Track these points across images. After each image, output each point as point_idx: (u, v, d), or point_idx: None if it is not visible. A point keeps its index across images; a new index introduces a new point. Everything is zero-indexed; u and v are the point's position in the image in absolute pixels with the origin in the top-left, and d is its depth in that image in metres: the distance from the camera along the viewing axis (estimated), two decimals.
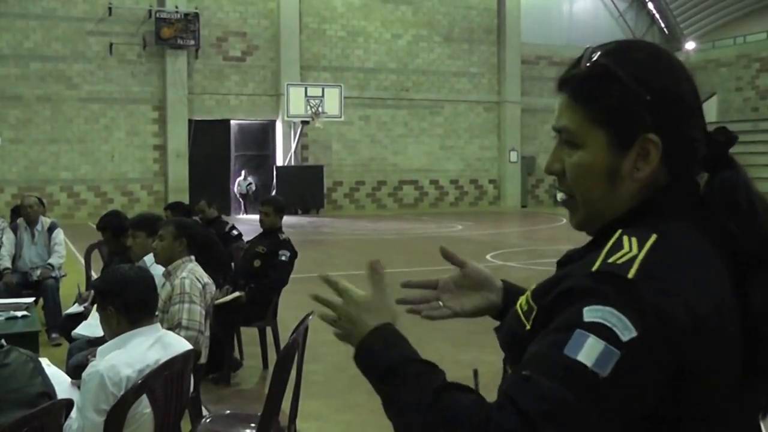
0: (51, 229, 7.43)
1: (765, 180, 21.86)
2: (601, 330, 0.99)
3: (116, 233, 5.88)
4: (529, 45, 27.71)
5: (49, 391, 2.52)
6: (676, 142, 1.13)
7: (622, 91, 1.13)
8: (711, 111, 27.83)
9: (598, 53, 1.17)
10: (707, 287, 1.04)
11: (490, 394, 1.08)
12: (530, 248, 14.44)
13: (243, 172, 24.30)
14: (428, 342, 7.13)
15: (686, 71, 1.18)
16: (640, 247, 1.04)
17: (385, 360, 1.16)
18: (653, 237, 1.06)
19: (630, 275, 1.01)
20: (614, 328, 0.98)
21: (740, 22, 28.65)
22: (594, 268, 1.04)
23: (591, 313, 1.00)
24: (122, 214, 6.23)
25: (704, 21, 29.55)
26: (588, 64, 1.17)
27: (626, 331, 0.98)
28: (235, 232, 7.51)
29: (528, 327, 1.12)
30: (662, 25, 29.92)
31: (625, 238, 1.06)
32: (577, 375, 0.98)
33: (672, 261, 1.04)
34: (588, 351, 0.98)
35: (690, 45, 29.92)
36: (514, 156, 27.47)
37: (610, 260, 1.04)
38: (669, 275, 1.03)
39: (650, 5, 29.82)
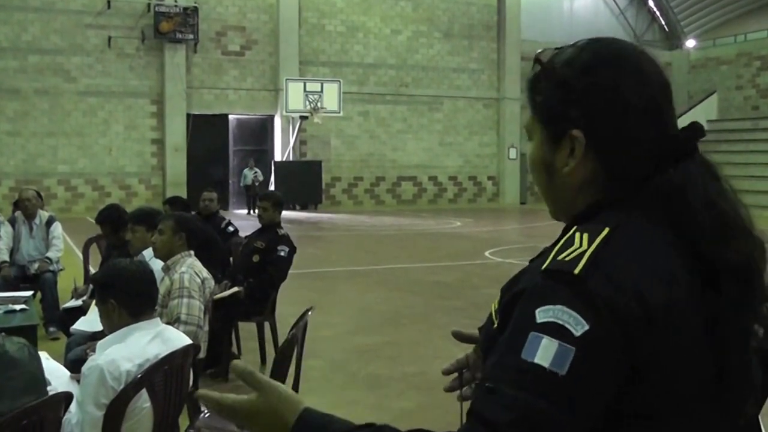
0: (49, 222, 7.41)
1: (764, 179, 21.93)
2: (553, 329, 1.00)
3: (115, 227, 5.84)
4: (529, 42, 27.64)
5: (44, 377, 2.51)
6: (607, 139, 1.13)
7: (551, 88, 1.15)
8: (711, 109, 27.86)
9: (545, 52, 1.20)
10: (659, 279, 1.04)
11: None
12: (529, 245, 14.42)
13: (251, 161, 23.59)
14: (428, 340, 7.14)
15: (637, 66, 1.15)
16: (591, 242, 1.05)
17: None
18: (605, 231, 1.06)
19: (577, 271, 1.02)
20: (566, 325, 0.99)
21: (741, 20, 28.65)
22: (543, 267, 1.05)
23: (543, 314, 1.01)
24: (121, 207, 6.20)
25: (705, 19, 29.55)
26: (534, 63, 1.20)
27: (579, 326, 0.99)
28: (231, 228, 7.48)
29: (495, 325, 1.13)
30: (662, 22, 29.92)
31: (577, 235, 1.07)
32: (537, 378, 0.98)
33: (622, 253, 1.05)
34: (543, 352, 0.99)
35: (690, 43, 29.92)
36: (513, 153, 27.47)
37: (560, 257, 1.05)
38: (617, 266, 1.03)
39: (651, 3, 29.80)
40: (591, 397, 1.00)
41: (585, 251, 1.04)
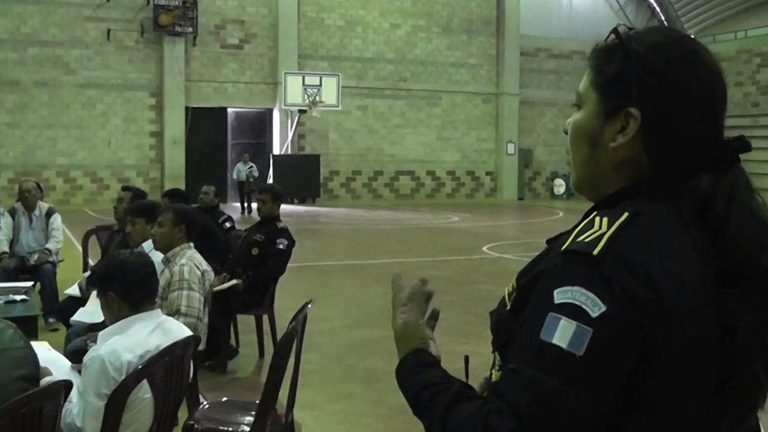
0: (48, 214, 7.43)
1: (764, 176, 21.94)
2: (571, 310, 1.01)
3: (137, 196, 6.30)
4: (528, 37, 27.66)
5: (32, 355, 2.44)
6: (662, 127, 1.13)
7: (623, 63, 1.16)
8: None
9: (625, 29, 1.20)
10: (672, 269, 1.05)
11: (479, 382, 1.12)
12: (527, 241, 14.45)
13: (245, 155, 21.11)
14: None
15: (709, 67, 1.17)
16: (610, 225, 1.07)
17: (408, 390, 1.22)
18: (624, 215, 1.08)
19: (596, 252, 1.04)
20: (584, 306, 1.01)
21: (741, 16, 28.61)
22: (563, 248, 1.07)
23: (561, 295, 1.03)
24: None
25: (705, 15, 29.51)
26: (610, 36, 1.21)
27: (596, 308, 1.01)
28: (228, 224, 7.49)
29: (508, 307, 1.15)
30: (662, 18, 29.88)
31: (597, 219, 1.09)
32: (555, 358, 1.01)
33: (640, 239, 1.06)
34: (561, 333, 1.01)
35: None
36: (511, 148, 27.46)
37: (579, 239, 1.07)
38: (634, 251, 1.04)
39: None
40: (607, 378, 1.02)
41: (604, 233, 1.05)
